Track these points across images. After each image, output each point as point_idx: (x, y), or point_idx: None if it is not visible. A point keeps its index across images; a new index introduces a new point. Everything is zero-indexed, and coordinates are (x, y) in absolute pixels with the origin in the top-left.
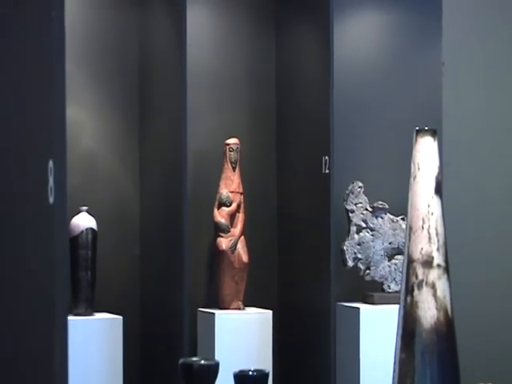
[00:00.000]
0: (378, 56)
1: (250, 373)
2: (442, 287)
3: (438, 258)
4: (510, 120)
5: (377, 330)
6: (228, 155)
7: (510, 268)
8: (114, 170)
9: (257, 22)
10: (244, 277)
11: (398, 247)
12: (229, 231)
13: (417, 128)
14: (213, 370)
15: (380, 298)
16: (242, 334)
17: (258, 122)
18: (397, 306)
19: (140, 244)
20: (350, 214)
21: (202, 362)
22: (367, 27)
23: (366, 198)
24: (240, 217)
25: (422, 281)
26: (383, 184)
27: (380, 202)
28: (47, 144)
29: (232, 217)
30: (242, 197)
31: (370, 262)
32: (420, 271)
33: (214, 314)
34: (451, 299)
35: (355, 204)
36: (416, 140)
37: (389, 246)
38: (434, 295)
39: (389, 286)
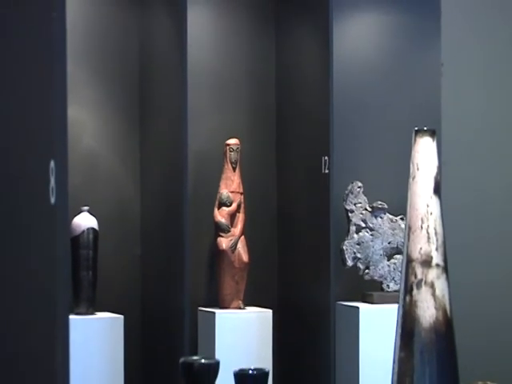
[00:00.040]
0: (378, 56)
1: (250, 372)
2: (441, 287)
3: (436, 258)
4: (509, 120)
5: (376, 329)
6: (228, 155)
7: (509, 268)
8: (115, 169)
9: (257, 23)
10: (244, 276)
11: (397, 247)
12: (229, 231)
13: (416, 128)
14: (213, 368)
15: (379, 298)
16: (242, 333)
17: (258, 122)
18: (396, 306)
19: (141, 244)
20: (350, 214)
21: (203, 360)
22: (367, 28)
23: (365, 197)
24: (240, 217)
25: (421, 280)
26: (382, 184)
27: (379, 202)
28: (48, 144)
29: (232, 217)
30: (242, 197)
31: (369, 261)
32: (419, 271)
33: (214, 313)
34: (450, 299)
35: (355, 204)
36: (415, 140)
37: (388, 245)
38: (433, 295)
39: (388, 286)
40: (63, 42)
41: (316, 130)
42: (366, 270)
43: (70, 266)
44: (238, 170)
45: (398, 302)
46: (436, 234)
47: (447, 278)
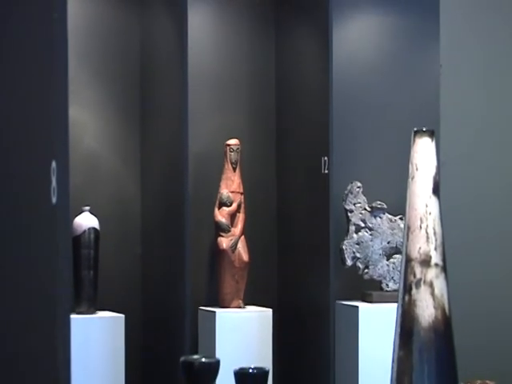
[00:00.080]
0: (377, 57)
1: (251, 370)
2: (440, 286)
3: (435, 257)
4: (508, 120)
5: (375, 328)
6: (228, 156)
7: (508, 267)
8: (116, 170)
9: (257, 24)
10: (244, 276)
11: (396, 246)
12: (229, 231)
13: (415, 129)
14: (213, 367)
15: (378, 297)
16: (242, 332)
17: (258, 123)
18: (395, 305)
19: (141, 243)
20: (349, 214)
21: (203, 359)
22: (366, 29)
23: (364, 197)
24: (240, 216)
25: (420, 280)
26: (382, 184)
27: (378, 202)
28: (50, 145)
29: (232, 216)
30: (242, 197)
31: (368, 261)
32: (418, 270)
33: (214, 312)
34: (449, 298)
35: (354, 204)
36: (414, 141)
37: (387, 245)
38: (432, 294)
39: (387, 285)
40: (64, 42)
41: (316, 130)
42: (366, 270)
43: (71, 265)
44: (238, 170)
45: (397, 302)
46: (435, 233)
47: (446, 278)
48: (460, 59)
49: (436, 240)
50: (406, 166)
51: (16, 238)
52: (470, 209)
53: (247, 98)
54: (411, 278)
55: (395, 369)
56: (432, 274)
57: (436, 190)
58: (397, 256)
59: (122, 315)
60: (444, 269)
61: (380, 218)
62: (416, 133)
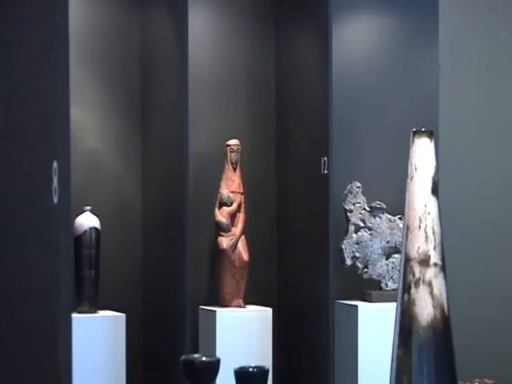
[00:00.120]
0: (376, 58)
1: (251, 369)
2: (439, 285)
3: (434, 257)
4: (506, 121)
5: (374, 328)
6: (229, 156)
7: (506, 267)
8: (117, 170)
9: (257, 25)
10: (244, 275)
11: (396, 246)
12: (229, 230)
13: (414, 129)
14: (214, 366)
15: (378, 296)
16: (242, 332)
17: (259, 123)
18: (394, 304)
19: (142, 243)
20: (349, 214)
21: (204, 358)
22: (365, 30)
23: (364, 197)
24: (240, 216)
25: (419, 279)
26: (381, 184)
27: (378, 202)
28: (51, 145)
29: (233, 216)
30: (242, 197)
31: (367, 260)
32: (417, 270)
33: (215, 311)
34: (447, 297)
35: (353, 204)
36: (413, 141)
37: (386, 244)
38: (431, 293)
39: (386, 284)
40: (66, 42)
41: (315, 131)
42: (365, 269)
43: (72, 265)
44: (238, 170)
45: (396, 301)
46: (434, 233)
47: (445, 277)
48: (459, 60)
49: (435, 240)
50: (405, 166)
51: (18, 238)
52: (468, 209)
53: (247, 98)
54: (410, 277)
55: (394, 368)
56: (431, 273)
57: (435, 190)
58: (396, 255)
59: (123, 314)
60: (443, 268)
61: (379, 217)
62: (415, 133)
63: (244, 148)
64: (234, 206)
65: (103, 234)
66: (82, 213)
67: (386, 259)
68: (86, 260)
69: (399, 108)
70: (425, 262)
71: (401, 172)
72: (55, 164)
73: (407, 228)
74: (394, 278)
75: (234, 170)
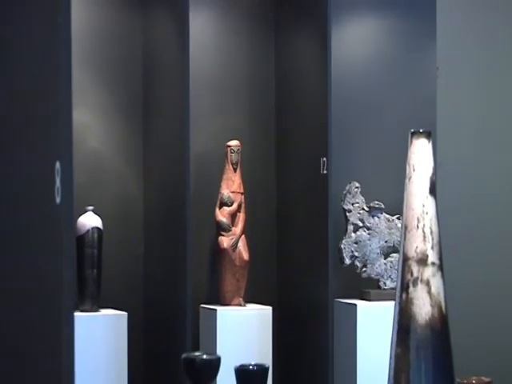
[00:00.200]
0: (375, 59)
1: (251, 367)
2: (437, 284)
3: (432, 256)
4: (504, 122)
5: (373, 326)
6: (229, 156)
7: (504, 266)
8: (119, 170)
9: (257, 27)
10: (245, 274)
11: (394, 245)
12: (230, 230)
13: (412, 130)
14: (214, 364)
15: (376, 295)
16: (242, 330)
17: (259, 124)
18: (392, 303)
19: (144, 242)
20: (348, 214)
21: (204, 356)
22: (364, 31)
23: (362, 197)
24: (241, 216)
25: (417, 278)
26: (379, 184)
27: (376, 202)
28: (54, 145)
29: (233, 216)
30: (242, 197)
31: (366, 259)
32: (415, 269)
33: (215, 310)
34: (445, 296)
35: (352, 204)
36: (411, 142)
37: (385, 244)
38: (429, 292)
39: (385, 283)
40: (68, 45)
41: (314, 131)
42: (364, 268)
43: (75, 264)
44: (238, 170)
45: (394, 300)
46: (431, 233)
47: (442, 276)
48: (456, 61)
49: (433, 239)
50: (403, 166)
51: (20, 238)
52: (466, 209)
53: (247, 100)
54: (408, 276)
55: (392, 365)
56: (429, 272)
57: (433, 191)
58: (394, 255)
59: (125, 313)
60: (440, 267)
61: (378, 217)
62: (413, 134)
63: (244, 149)
64: (235, 205)
65: (105, 234)
66: (84, 213)
67: (385, 258)
68: (89, 259)
69: (398, 109)
70: (423, 261)
71: (399, 172)
72: (58, 164)
73: (405, 228)
74: (392, 277)
75: (235, 170)
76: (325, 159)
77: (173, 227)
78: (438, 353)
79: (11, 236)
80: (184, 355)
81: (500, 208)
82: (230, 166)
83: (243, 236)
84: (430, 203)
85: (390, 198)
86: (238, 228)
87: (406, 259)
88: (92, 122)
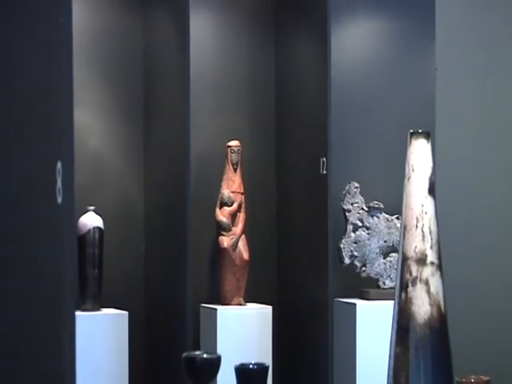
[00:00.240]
0: (374, 61)
1: (251, 366)
2: (435, 284)
3: (431, 256)
4: (502, 122)
5: (372, 325)
6: (229, 157)
7: (502, 266)
8: (120, 170)
9: (257, 29)
10: (245, 274)
11: (393, 245)
12: (230, 230)
13: (411, 131)
14: (215, 363)
15: (375, 294)
16: (243, 329)
17: (259, 124)
18: (392, 302)
19: (145, 242)
20: (347, 214)
21: (205, 355)
22: (364, 33)
23: (362, 197)
24: (241, 216)
25: (416, 278)
26: (379, 184)
27: (375, 202)
28: (55, 146)
29: (233, 216)
30: (242, 197)
31: (365, 259)
32: (414, 268)
33: (216, 309)
34: (444, 295)
35: (352, 204)
36: (410, 142)
37: (384, 244)
38: (428, 291)
39: (384, 283)
40: (69, 45)
41: (314, 132)
42: (363, 268)
43: (76, 264)
44: (238, 170)
45: (393, 299)
46: (430, 232)
47: (441, 276)
48: (455, 62)
49: (432, 239)
50: (402, 166)
51: (22, 238)
52: (465, 209)
53: (248, 100)
54: (407, 275)
55: (392, 365)
56: (428, 272)
57: (432, 191)
58: (393, 254)
59: (126, 312)
60: (439, 267)
61: (377, 217)
62: (412, 134)
63: (244, 149)
64: (235, 205)
65: (106, 234)
66: (85, 213)
67: (384, 258)
68: (90, 259)
69: (397, 110)
70: (422, 260)
71: (398, 172)
72: (59, 165)
73: (404, 227)
74: (391, 276)
75: (235, 170)
76: (324, 159)
77: (173, 227)
78: (437, 352)
79: (12, 236)
80: (184, 354)
81: (499, 208)
82: (230, 166)
83: (243, 236)
84: (429, 203)
85: (390, 198)
86: (238, 228)
87: (405, 259)
88: (93, 122)
